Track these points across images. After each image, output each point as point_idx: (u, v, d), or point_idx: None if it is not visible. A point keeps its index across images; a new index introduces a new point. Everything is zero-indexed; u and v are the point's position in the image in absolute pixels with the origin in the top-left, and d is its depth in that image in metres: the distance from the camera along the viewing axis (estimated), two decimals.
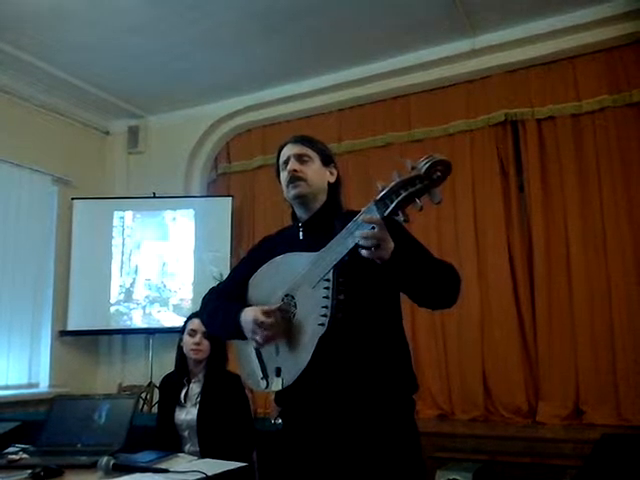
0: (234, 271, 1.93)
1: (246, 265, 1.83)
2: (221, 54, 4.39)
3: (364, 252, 1.38)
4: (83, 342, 5.05)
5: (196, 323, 2.66)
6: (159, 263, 5.05)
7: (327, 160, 1.77)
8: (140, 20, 3.93)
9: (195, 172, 5.37)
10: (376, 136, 4.73)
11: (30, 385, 4.58)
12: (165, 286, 5.01)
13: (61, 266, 4.93)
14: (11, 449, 2.34)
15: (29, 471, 1.92)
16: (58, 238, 4.94)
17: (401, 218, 1.32)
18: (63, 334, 4.87)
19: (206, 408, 2.53)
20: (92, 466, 1.99)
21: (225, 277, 3.18)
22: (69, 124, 5.14)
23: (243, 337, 1.63)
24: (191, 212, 5.11)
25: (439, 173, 1.28)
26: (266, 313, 1.55)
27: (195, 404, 2.57)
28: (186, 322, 2.73)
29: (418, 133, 4.59)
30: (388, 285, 1.57)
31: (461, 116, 4.44)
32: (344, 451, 1.53)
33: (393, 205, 1.31)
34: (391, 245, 1.39)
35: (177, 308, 4.94)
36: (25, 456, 2.21)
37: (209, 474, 1.90)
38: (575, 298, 3.92)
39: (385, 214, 1.33)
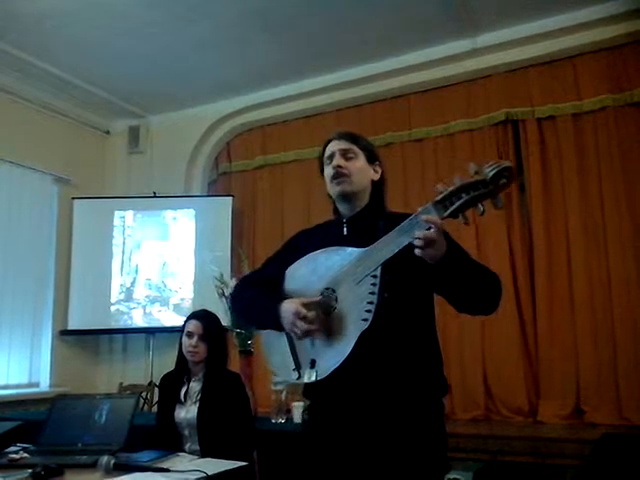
0: (269, 262, 1.89)
1: (282, 256, 1.81)
2: (221, 54, 4.39)
3: (419, 251, 1.39)
4: (84, 341, 5.06)
5: (193, 325, 2.65)
6: (159, 263, 5.06)
7: (372, 158, 1.77)
8: (141, 21, 3.93)
9: (196, 172, 5.38)
10: (376, 136, 4.71)
11: (31, 384, 4.58)
12: (165, 286, 5.02)
13: (62, 265, 4.94)
14: (12, 448, 2.33)
15: (30, 470, 1.92)
16: (59, 238, 4.95)
17: (461, 220, 1.35)
18: (64, 333, 4.88)
19: (206, 406, 2.53)
20: (92, 465, 1.99)
21: (225, 276, 3.17)
22: (70, 124, 5.14)
23: (279, 328, 1.62)
24: (192, 212, 5.11)
25: (505, 180, 1.30)
26: (307, 305, 1.55)
27: (195, 402, 2.57)
28: (185, 323, 2.72)
29: (418, 133, 4.60)
30: (431, 287, 1.59)
31: (461, 116, 4.44)
32: (372, 447, 1.53)
33: (454, 207, 1.34)
34: (445, 246, 1.41)
35: (177, 308, 4.95)
36: (26, 455, 2.21)
37: (209, 473, 1.90)
38: (576, 297, 3.92)
39: (445, 215, 1.36)
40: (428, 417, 1.58)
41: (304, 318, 1.53)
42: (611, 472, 2.60)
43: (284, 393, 3.39)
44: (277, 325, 1.62)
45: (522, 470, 3.26)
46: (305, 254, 1.67)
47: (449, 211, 1.35)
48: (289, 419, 3.36)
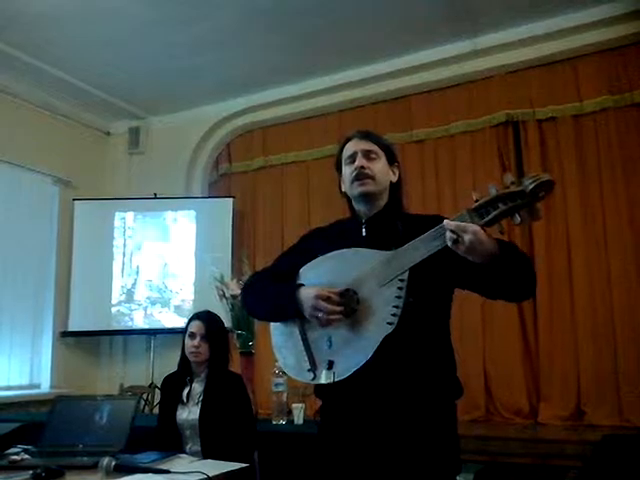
0: (281, 258, 1.86)
1: (295, 254, 1.78)
2: (222, 55, 4.39)
3: (453, 244, 1.39)
4: (84, 343, 5.06)
5: (196, 326, 2.65)
6: (160, 264, 5.06)
7: (392, 158, 1.75)
8: (141, 21, 3.94)
9: (196, 173, 5.38)
10: None
11: (32, 386, 4.59)
12: (166, 287, 5.02)
13: (62, 267, 4.94)
14: (13, 450, 2.33)
15: (30, 472, 1.91)
16: (59, 239, 4.95)
17: (496, 229, 1.37)
18: (64, 335, 4.88)
19: (208, 407, 2.53)
20: (93, 467, 1.99)
21: (225, 278, 3.15)
22: (70, 125, 5.14)
23: (298, 315, 1.59)
24: (192, 213, 5.11)
25: (544, 192, 1.31)
26: (330, 292, 1.52)
27: (197, 403, 2.56)
28: (187, 324, 2.72)
29: (419, 134, 4.60)
30: (462, 284, 1.59)
31: (462, 117, 4.44)
32: (386, 448, 1.52)
33: (491, 216, 1.36)
34: (491, 245, 1.40)
35: (178, 309, 4.95)
36: (26, 457, 2.21)
37: (210, 475, 1.90)
38: (576, 298, 3.92)
39: (480, 224, 1.38)
40: (442, 419, 1.58)
41: (328, 299, 1.51)
42: (612, 474, 2.60)
43: (285, 394, 3.39)
44: (295, 312, 1.58)
45: (522, 471, 3.25)
46: (320, 253, 1.64)
47: (485, 220, 1.37)
48: (290, 420, 3.36)
